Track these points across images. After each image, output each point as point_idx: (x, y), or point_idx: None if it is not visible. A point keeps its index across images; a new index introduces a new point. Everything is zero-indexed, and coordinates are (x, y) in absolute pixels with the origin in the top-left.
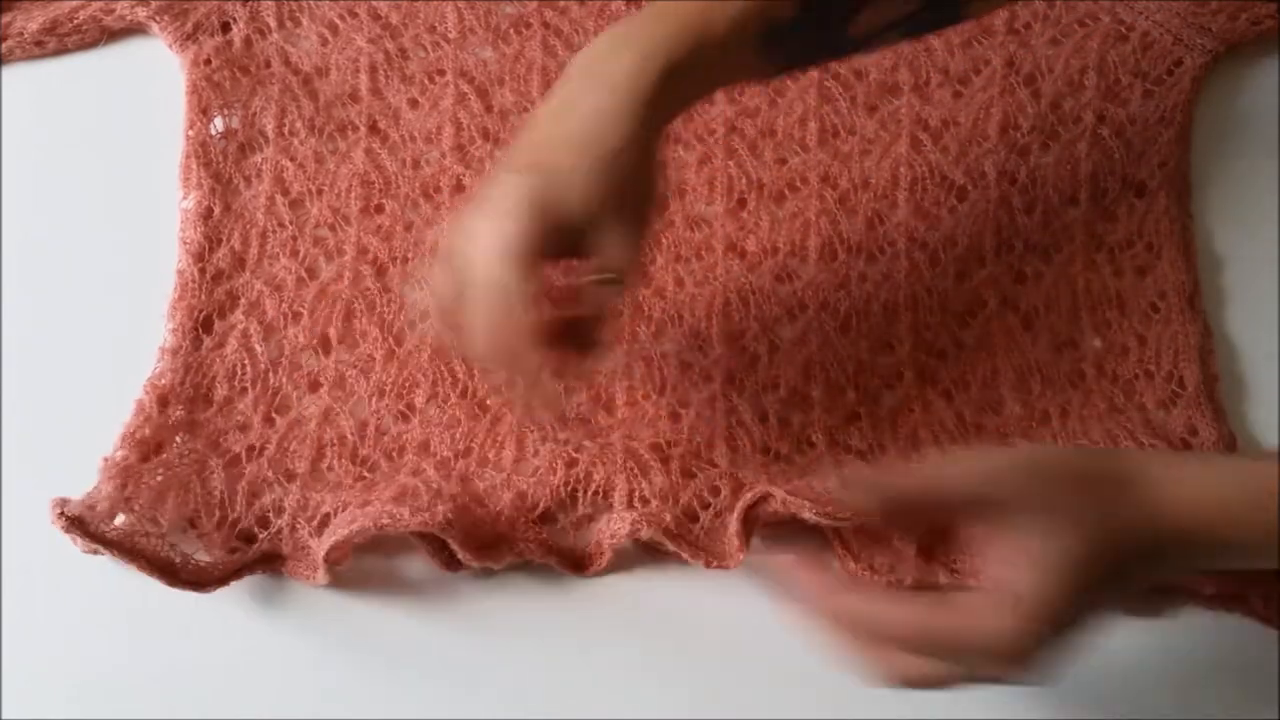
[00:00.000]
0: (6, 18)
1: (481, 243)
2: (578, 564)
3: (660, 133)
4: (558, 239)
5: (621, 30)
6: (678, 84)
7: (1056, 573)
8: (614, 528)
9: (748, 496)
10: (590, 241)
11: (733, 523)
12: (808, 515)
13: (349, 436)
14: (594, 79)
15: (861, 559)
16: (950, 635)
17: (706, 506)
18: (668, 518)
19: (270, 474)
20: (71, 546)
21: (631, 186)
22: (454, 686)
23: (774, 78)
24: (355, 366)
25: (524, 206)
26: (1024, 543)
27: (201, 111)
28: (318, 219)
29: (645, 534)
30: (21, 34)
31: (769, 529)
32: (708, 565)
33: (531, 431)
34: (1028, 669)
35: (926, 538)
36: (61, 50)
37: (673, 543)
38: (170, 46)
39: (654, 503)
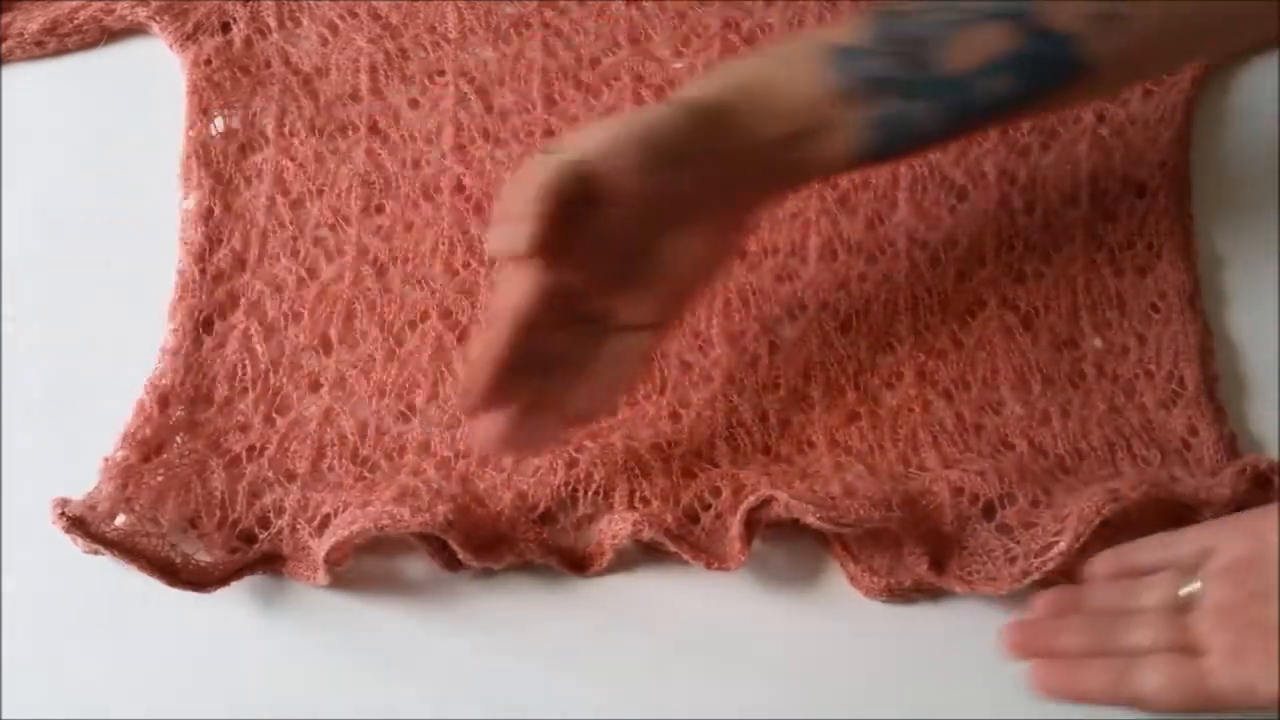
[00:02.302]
0: (6, 18)
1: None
2: (578, 564)
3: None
4: None
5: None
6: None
7: None
8: (615, 528)
9: (751, 499)
10: None
11: (735, 525)
12: (811, 520)
13: (349, 436)
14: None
15: (861, 560)
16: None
17: (708, 507)
18: (669, 518)
19: (271, 474)
20: (71, 546)
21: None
22: (454, 686)
23: (874, 160)
24: (356, 366)
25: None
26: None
27: (202, 111)
28: (318, 219)
29: (647, 535)
30: (21, 34)
31: (768, 529)
32: (709, 567)
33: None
34: None
35: (939, 551)
36: (61, 50)
37: (674, 544)
38: (170, 46)
39: (655, 503)
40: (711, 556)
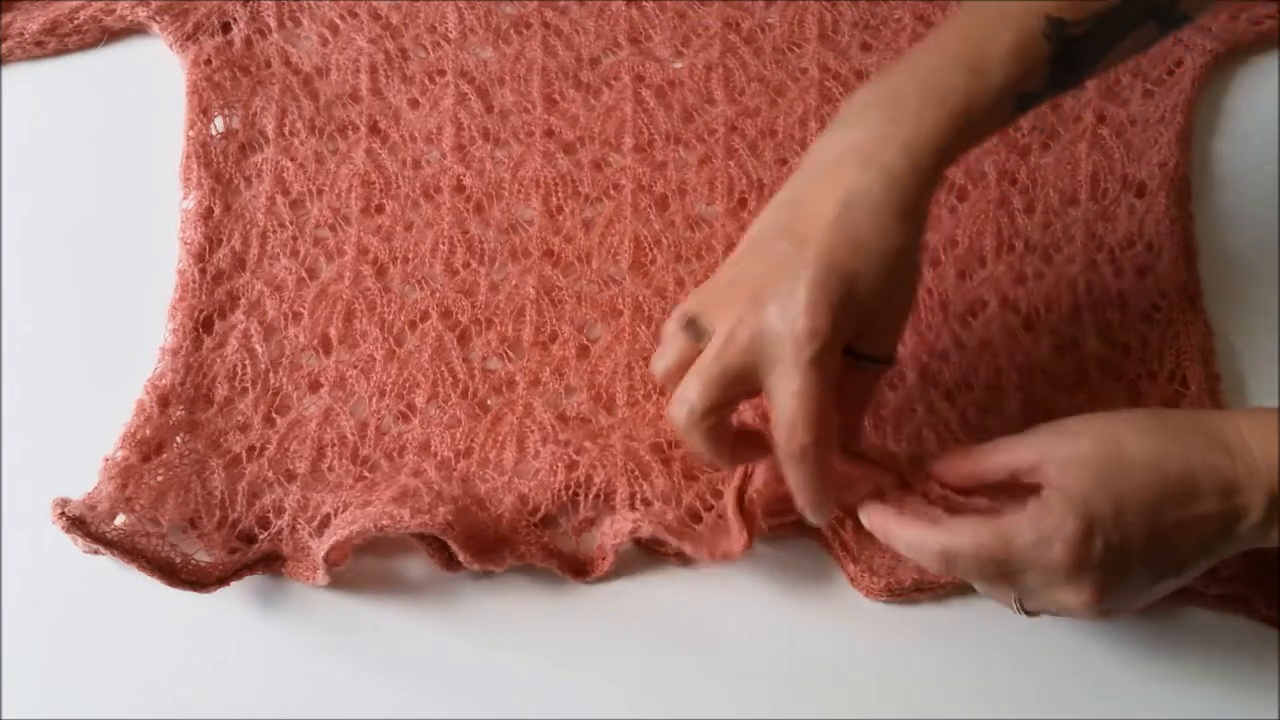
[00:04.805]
0: (6, 18)
1: (792, 333)
2: (579, 569)
3: (926, 214)
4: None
5: (888, 117)
6: (946, 164)
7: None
8: (616, 528)
9: (735, 481)
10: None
11: (729, 504)
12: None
13: (349, 436)
14: (870, 173)
15: (861, 560)
16: (1000, 547)
17: (709, 509)
18: (670, 516)
19: (270, 474)
20: (71, 546)
21: (905, 277)
22: (454, 687)
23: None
24: (355, 366)
25: (829, 312)
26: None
27: (202, 111)
28: (318, 219)
29: (646, 531)
30: (21, 34)
31: (767, 529)
32: (712, 557)
33: (532, 431)
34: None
35: None
36: (61, 50)
37: (675, 538)
38: (170, 46)
39: (656, 504)
40: (714, 548)
